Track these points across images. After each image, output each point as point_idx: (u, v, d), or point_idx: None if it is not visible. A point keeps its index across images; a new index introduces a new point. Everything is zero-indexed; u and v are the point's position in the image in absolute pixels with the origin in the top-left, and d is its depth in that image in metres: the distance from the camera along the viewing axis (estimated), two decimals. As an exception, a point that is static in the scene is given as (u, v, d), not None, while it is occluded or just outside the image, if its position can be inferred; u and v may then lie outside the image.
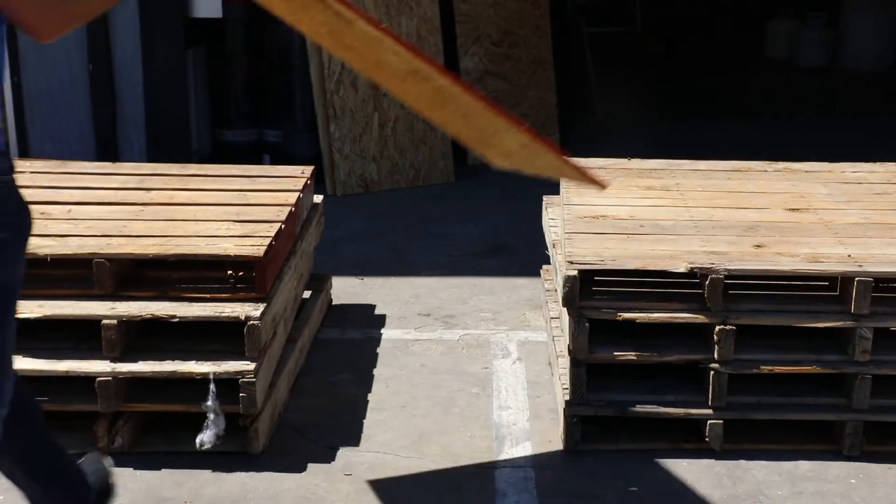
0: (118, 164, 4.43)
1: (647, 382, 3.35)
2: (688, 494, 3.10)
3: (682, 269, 3.22)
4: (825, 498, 3.08)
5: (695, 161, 4.39)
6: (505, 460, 3.27)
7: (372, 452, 3.31)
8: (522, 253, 5.09)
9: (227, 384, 3.18)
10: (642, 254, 3.29)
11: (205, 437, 3.16)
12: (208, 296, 3.28)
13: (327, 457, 3.28)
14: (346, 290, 4.58)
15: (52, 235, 3.40)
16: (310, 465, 3.23)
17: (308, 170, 4.21)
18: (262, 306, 3.24)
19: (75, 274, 3.32)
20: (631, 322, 3.24)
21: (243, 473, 3.17)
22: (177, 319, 3.21)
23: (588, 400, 3.25)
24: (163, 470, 3.18)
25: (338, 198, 5.99)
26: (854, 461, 3.25)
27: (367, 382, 3.78)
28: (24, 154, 5.74)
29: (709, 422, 3.26)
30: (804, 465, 3.24)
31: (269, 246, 3.35)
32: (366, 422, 3.49)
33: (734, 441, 3.30)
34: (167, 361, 3.20)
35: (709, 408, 3.26)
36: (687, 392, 3.31)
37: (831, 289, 3.36)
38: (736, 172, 4.22)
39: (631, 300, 3.27)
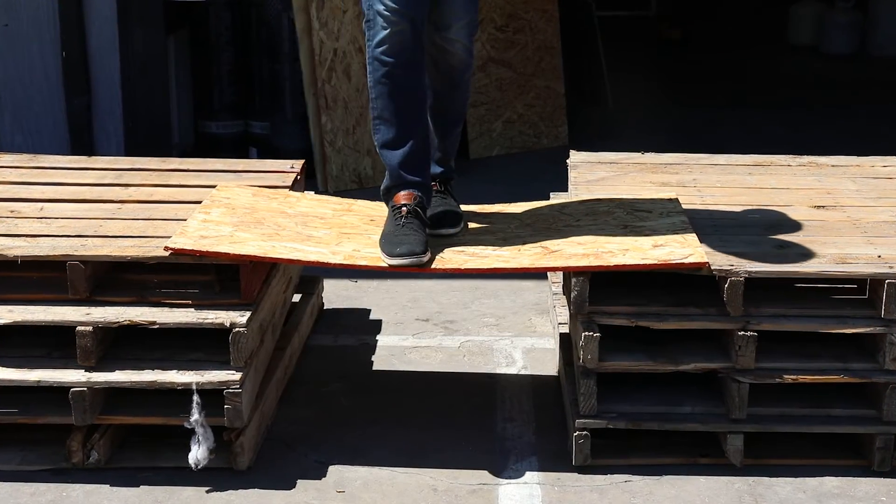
0: (94, 158, 4.44)
1: (661, 392, 3.35)
2: (706, 513, 3.10)
3: (700, 271, 3.22)
4: (853, 517, 3.09)
5: (713, 155, 4.39)
6: (509, 476, 3.27)
7: (366, 467, 3.31)
8: (528, 253, 5.09)
9: (211, 395, 3.18)
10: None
11: (199, 455, 3.15)
12: (191, 301, 3.28)
13: (318, 472, 3.29)
14: (338, 293, 4.58)
15: (22, 235, 3.41)
16: (299, 482, 3.23)
17: (298, 164, 4.21)
18: (248, 312, 3.24)
19: (47, 277, 3.31)
20: (644, 327, 3.24)
21: (228, 490, 3.17)
22: (157, 326, 3.21)
23: (598, 412, 3.25)
24: (142, 487, 3.18)
25: (330, 194, 5.99)
26: (885, 477, 3.26)
27: (361, 392, 3.78)
28: (-7, 147, 5.75)
29: (728, 435, 3.26)
30: (831, 482, 3.24)
31: (256, 246, 3.35)
32: (360, 435, 3.49)
33: (755, 456, 3.30)
34: (146, 371, 3.20)
35: (728, 420, 3.26)
36: (704, 403, 3.31)
37: (860, 292, 3.36)
38: (757, 167, 4.23)
39: (645, 304, 3.26)
